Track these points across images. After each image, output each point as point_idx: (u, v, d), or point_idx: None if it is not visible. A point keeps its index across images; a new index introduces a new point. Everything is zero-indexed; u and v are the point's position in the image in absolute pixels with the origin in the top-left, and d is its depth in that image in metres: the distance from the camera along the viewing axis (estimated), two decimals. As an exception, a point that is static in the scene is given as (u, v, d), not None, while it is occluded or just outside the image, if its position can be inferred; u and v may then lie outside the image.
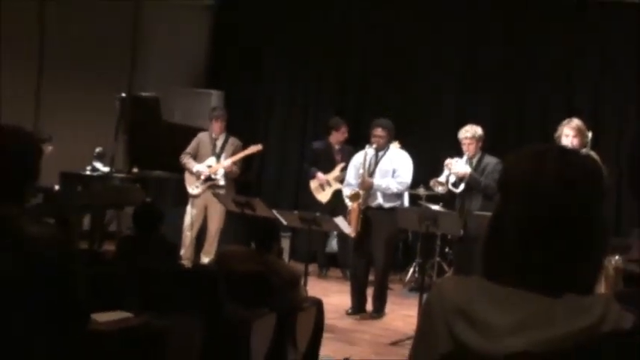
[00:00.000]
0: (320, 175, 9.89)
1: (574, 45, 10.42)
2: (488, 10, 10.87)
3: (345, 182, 8.38)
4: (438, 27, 11.13)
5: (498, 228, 1.58)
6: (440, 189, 7.85)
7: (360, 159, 8.09)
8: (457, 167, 7.78)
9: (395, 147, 8.15)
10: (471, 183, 7.71)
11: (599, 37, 10.27)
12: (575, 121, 6.97)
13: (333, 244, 10.36)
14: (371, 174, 7.94)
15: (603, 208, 1.55)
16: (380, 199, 7.92)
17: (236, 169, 9.49)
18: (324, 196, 9.83)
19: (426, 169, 8.62)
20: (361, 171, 7.95)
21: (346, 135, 9.91)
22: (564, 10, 10.37)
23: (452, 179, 7.83)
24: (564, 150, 1.61)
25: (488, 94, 10.84)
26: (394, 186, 7.89)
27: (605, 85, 10.23)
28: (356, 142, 9.40)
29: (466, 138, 7.87)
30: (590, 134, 7.03)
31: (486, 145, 8.06)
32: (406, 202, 8.21)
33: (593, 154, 6.68)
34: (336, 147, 9.91)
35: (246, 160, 9.81)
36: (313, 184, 10.06)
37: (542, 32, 10.55)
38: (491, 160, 7.82)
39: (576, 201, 1.51)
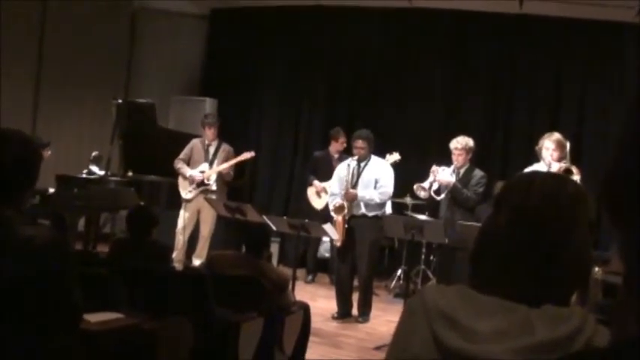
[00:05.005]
0: (317, 182, 10.01)
1: (561, 57, 10.60)
2: (478, 24, 11.02)
3: (330, 193, 8.53)
4: (428, 40, 11.28)
5: (486, 241, 1.66)
6: (422, 194, 7.95)
7: (343, 170, 8.22)
8: (442, 175, 7.89)
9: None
10: (454, 193, 7.82)
11: (585, 55, 10.43)
12: (556, 135, 7.10)
13: (326, 247, 10.40)
14: (354, 185, 8.07)
15: (587, 230, 1.62)
16: (363, 209, 8.06)
17: (231, 173, 9.64)
18: (319, 203, 9.92)
19: (414, 179, 8.74)
20: (345, 182, 8.10)
21: (345, 145, 9.90)
22: (551, 29, 10.55)
23: (435, 186, 7.95)
24: (553, 175, 1.77)
25: (478, 106, 10.97)
26: (377, 197, 8.02)
27: (589, 103, 10.39)
28: (349, 151, 9.52)
29: (456, 148, 7.96)
30: (568, 144, 7.15)
31: (474, 157, 8.18)
32: (388, 210, 8.31)
33: (574, 168, 6.85)
34: (335, 156, 9.95)
35: (239, 166, 9.93)
36: (310, 192, 10.22)
37: (530, 42, 10.72)
38: (477, 173, 7.93)
39: (560, 219, 1.59)
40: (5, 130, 2.75)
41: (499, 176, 9.32)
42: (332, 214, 8.20)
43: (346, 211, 8.04)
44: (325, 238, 9.66)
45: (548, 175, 1.75)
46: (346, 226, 8.05)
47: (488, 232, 1.67)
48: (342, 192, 8.08)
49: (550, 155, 6.91)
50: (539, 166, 6.93)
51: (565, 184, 1.67)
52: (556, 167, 6.79)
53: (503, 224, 1.63)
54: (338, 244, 8.14)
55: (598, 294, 7.09)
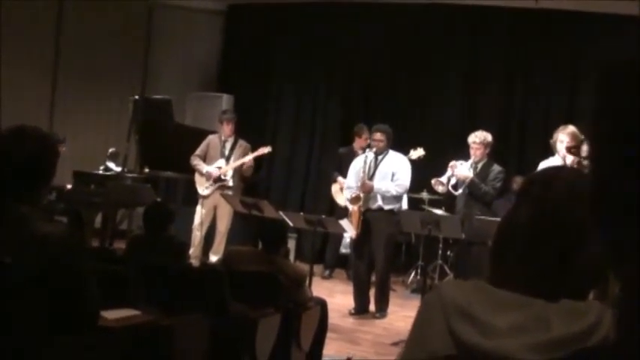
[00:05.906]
0: (340, 179, 9.99)
1: (576, 52, 10.53)
2: (494, 19, 10.98)
3: (346, 185, 8.55)
4: (444, 35, 11.26)
5: (506, 235, 1.65)
6: (440, 188, 7.92)
7: (360, 163, 8.25)
8: (460, 170, 7.87)
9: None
10: (471, 188, 7.78)
11: (601, 46, 10.34)
12: (570, 128, 7.03)
13: (345, 244, 10.34)
14: (371, 177, 8.08)
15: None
16: (380, 202, 8.07)
17: (251, 167, 9.67)
18: (343, 200, 9.89)
19: (430, 174, 8.71)
20: (361, 174, 8.10)
21: (368, 141, 9.74)
22: (567, 24, 10.47)
23: (453, 181, 7.92)
24: (575, 170, 1.74)
25: (494, 101, 10.94)
26: (393, 189, 8.03)
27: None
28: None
29: (475, 142, 7.92)
30: (583, 137, 7.07)
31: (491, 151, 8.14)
32: (405, 204, 8.31)
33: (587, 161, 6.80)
34: (359, 153, 9.83)
35: (255, 161, 9.93)
36: (334, 188, 10.22)
37: (545, 37, 10.66)
38: (495, 168, 7.89)
39: (581, 213, 1.55)
40: (22, 126, 2.76)
41: (515, 171, 9.28)
42: (347, 204, 8.21)
43: (362, 202, 8.04)
44: (346, 235, 9.65)
45: (571, 170, 1.75)
46: (361, 218, 8.05)
47: (508, 226, 1.66)
48: (359, 183, 8.09)
49: (565, 148, 6.85)
50: (554, 160, 6.88)
51: (587, 178, 1.64)
52: (570, 160, 6.74)
53: (524, 218, 1.62)
54: (353, 236, 8.14)
55: (616, 288, 7.05)
